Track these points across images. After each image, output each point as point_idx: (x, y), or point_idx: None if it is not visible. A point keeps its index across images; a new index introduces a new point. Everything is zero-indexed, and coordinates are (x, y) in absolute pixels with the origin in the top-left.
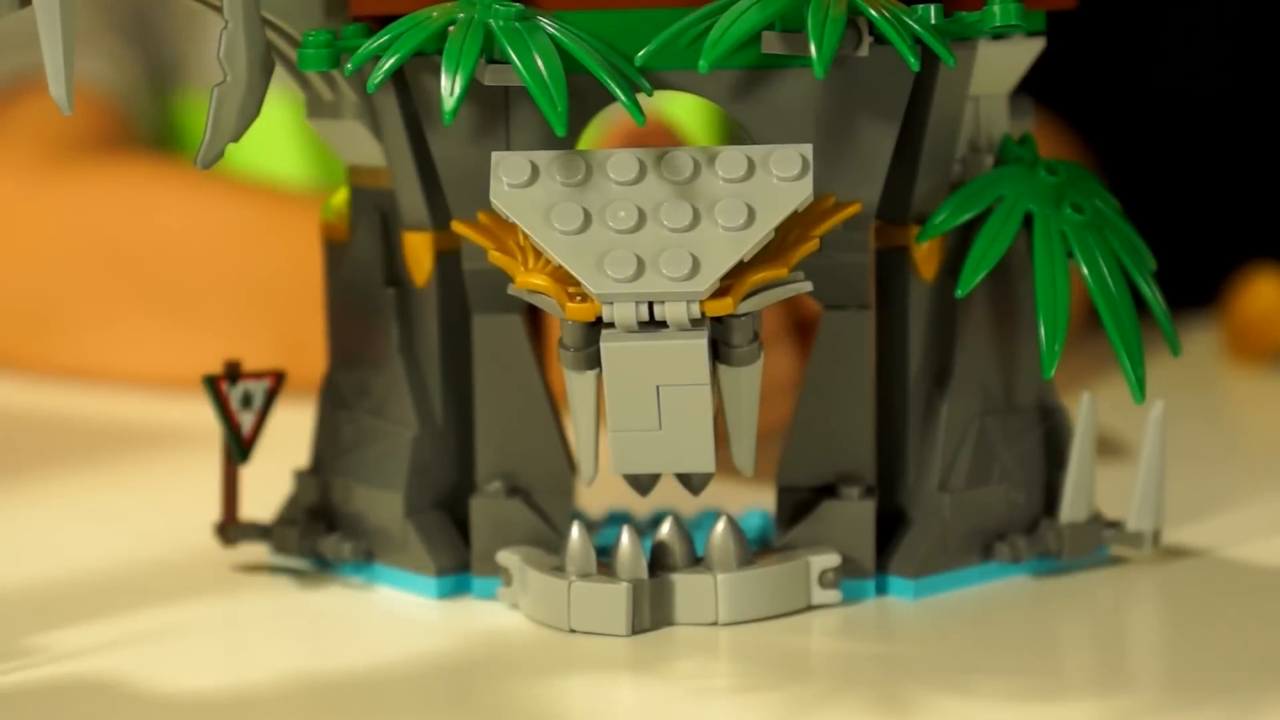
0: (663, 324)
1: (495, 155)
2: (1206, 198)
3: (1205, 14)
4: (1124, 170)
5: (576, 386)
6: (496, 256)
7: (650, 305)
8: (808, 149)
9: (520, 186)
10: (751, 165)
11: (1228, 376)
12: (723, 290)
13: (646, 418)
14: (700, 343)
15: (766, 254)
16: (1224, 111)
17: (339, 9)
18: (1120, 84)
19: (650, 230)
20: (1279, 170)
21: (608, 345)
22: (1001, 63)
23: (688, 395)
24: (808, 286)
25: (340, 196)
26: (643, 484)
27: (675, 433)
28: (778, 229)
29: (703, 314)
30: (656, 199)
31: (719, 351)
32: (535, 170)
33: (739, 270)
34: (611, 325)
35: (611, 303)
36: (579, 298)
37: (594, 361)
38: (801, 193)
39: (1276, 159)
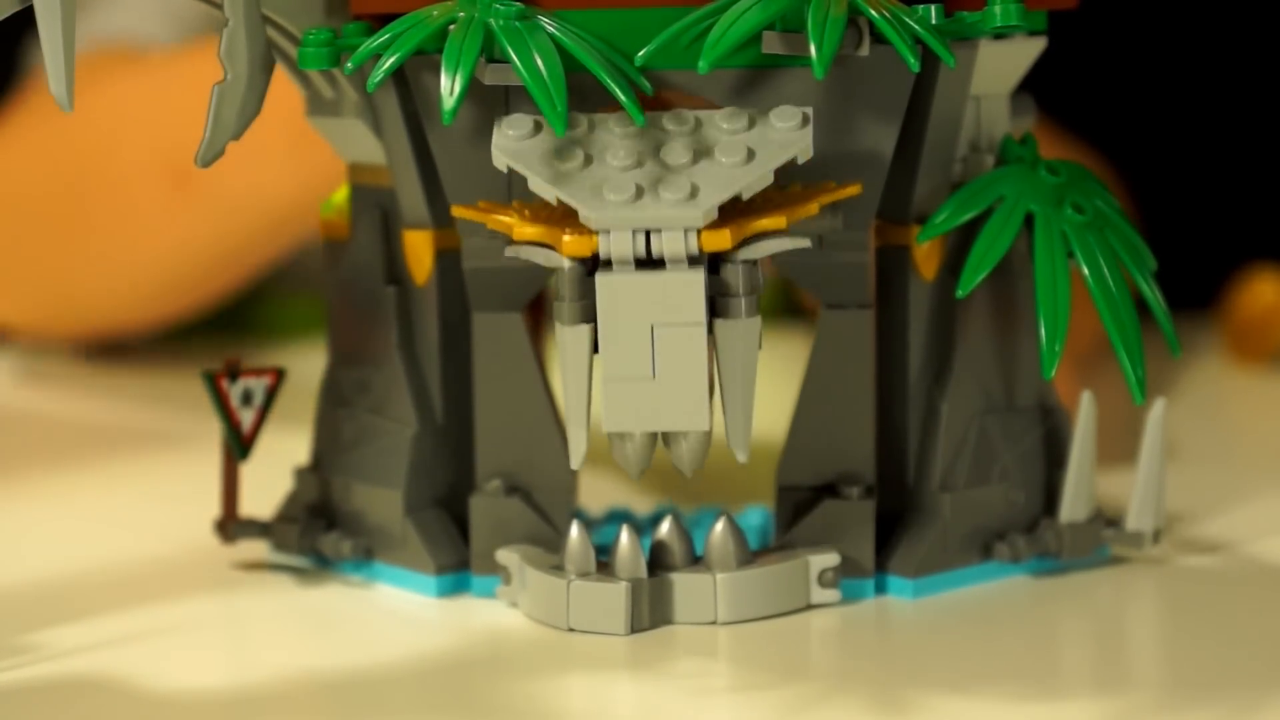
0: (661, 265)
1: (499, 116)
2: (1206, 198)
3: (1205, 14)
4: (1123, 170)
5: (570, 343)
6: (494, 220)
7: (648, 240)
8: (809, 109)
9: (523, 138)
10: (753, 119)
11: (1228, 376)
12: (721, 226)
13: (640, 364)
14: (698, 275)
15: (767, 208)
16: (1224, 112)
17: (339, 7)
18: (1120, 84)
19: (650, 166)
20: (1279, 170)
21: (603, 277)
22: (1002, 63)
23: (683, 338)
24: (805, 243)
25: (341, 194)
26: (634, 459)
27: (669, 383)
28: (779, 189)
29: (701, 251)
30: (658, 142)
31: (716, 306)
32: (538, 125)
33: (738, 214)
34: (609, 266)
35: (609, 232)
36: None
37: (589, 314)
38: (801, 141)
39: (1276, 159)
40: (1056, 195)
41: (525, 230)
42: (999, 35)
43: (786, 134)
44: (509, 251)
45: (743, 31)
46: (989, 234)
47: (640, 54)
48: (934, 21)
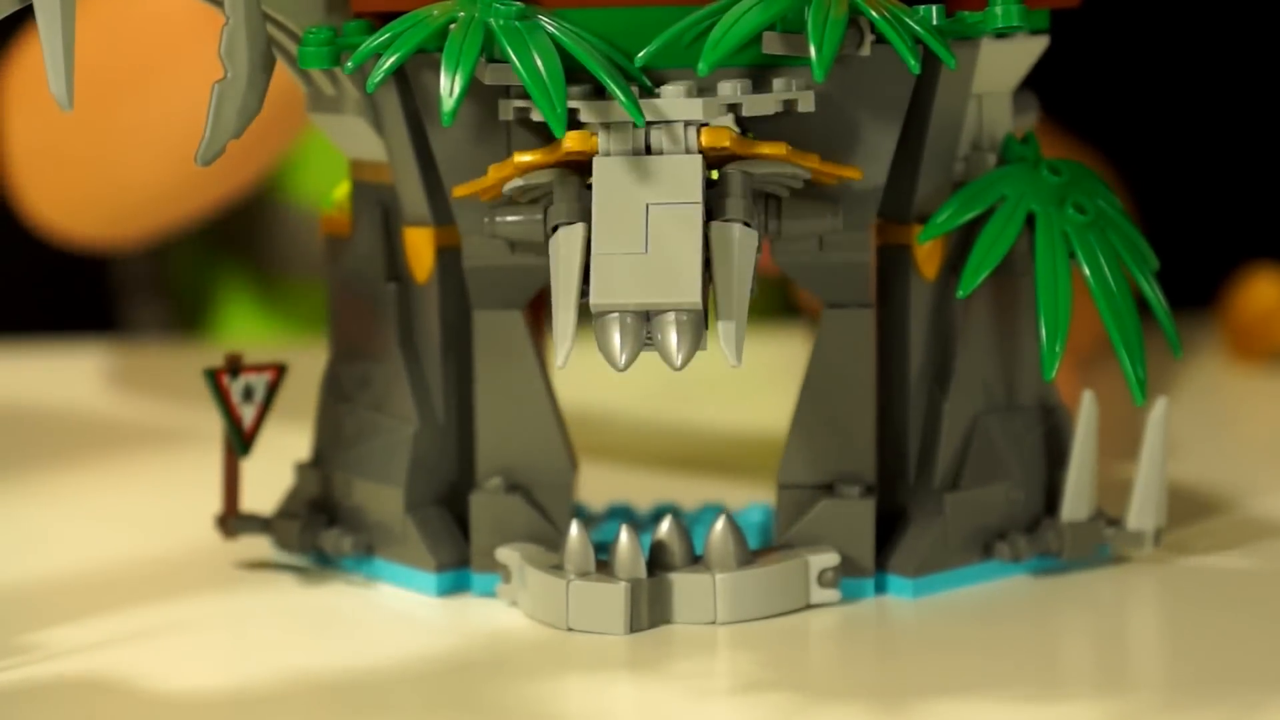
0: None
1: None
2: (1206, 198)
3: (1205, 14)
4: (1124, 170)
5: (563, 242)
6: (494, 168)
7: (648, 139)
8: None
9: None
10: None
11: (1228, 376)
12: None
13: (633, 239)
14: (696, 158)
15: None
16: (1223, 112)
17: (340, 5)
18: (1121, 84)
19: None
20: (1279, 170)
21: (600, 159)
22: (1004, 61)
23: (677, 214)
24: (806, 174)
25: (342, 191)
26: (620, 345)
27: (661, 257)
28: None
29: (700, 148)
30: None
31: (713, 211)
32: None
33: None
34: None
35: (609, 128)
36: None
37: (585, 214)
38: (802, 93)
39: (1276, 159)
40: (1058, 195)
41: (524, 157)
42: (1001, 34)
43: (788, 89)
44: (508, 187)
45: (743, 32)
46: (990, 233)
47: (640, 54)
48: (935, 22)
